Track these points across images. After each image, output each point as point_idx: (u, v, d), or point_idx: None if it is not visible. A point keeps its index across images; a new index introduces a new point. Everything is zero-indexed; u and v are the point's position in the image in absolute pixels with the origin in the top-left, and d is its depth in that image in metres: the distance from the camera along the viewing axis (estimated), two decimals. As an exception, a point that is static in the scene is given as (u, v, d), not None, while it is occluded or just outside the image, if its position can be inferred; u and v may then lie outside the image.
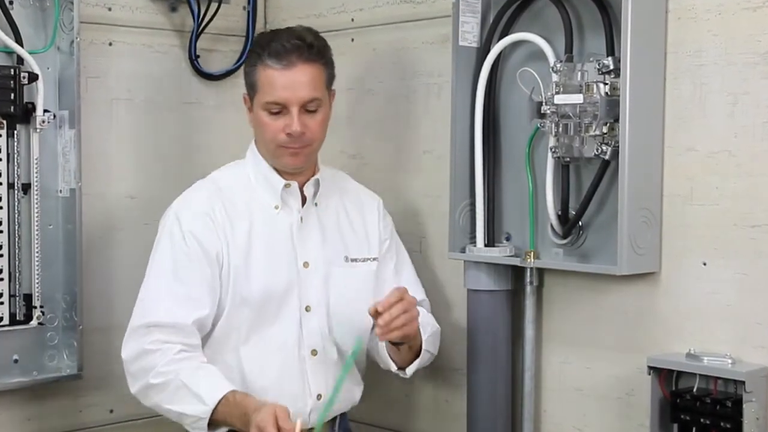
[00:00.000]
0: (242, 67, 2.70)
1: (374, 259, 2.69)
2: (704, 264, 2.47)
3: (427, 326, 2.67)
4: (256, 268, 2.53)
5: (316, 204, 2.64)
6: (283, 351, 2.53)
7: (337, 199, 2.68)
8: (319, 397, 2.55)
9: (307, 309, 2.56)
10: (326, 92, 2.57)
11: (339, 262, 2.62)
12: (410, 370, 2.62)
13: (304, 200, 2.61)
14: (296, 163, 2.56)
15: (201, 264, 2.49)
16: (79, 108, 2.98)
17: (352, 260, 2.65)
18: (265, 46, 2.52)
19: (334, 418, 2.65)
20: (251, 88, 2.56)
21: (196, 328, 2.47)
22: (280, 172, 2.59)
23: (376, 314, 2.42)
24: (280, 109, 2.50)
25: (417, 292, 2.73)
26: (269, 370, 2.51)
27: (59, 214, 3.03)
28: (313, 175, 2.62)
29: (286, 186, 2.57)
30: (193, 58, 3.32)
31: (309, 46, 2.51)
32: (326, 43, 2.59)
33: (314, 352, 2.54)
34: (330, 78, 2.59)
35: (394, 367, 2.62)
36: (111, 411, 3.20)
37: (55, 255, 3.02)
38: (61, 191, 3.02)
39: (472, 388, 2.83)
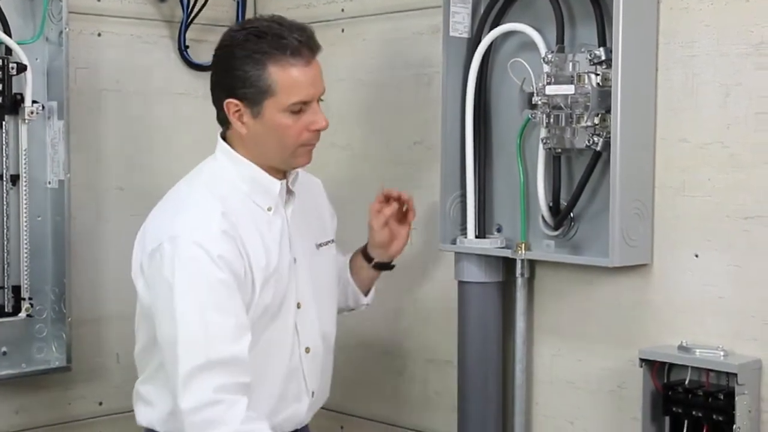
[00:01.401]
0: (225, 74, 2.31)
1: (332, 241, 2.61)
2: (696, 256, 2.46)
3: None
4: (271, 277, 2.39)
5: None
6: (283, 352, 2.45)
7: (298, 184, 2.48)
8: (312, 394, 2.52)
9: (299, 306, 2.46)
10: None
11: (313, 250, 2.52)
12: (371, 295, 2.69)
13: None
14: (310, 160, 2.40)
15: (236, 289, 2.31)
16: (68, 99, 2.97)
17: (320, 245, 2.55)
18: (274, 43, 2.26)
19: None
20: (260, 93, 2.27)
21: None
22: (269, 172, 2.40)
23: (387, 200, 2.56)
24: (300, 108, 2.30)
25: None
26: (273, 372, 2.42)
27: (48, 206, 3.02)
28: None
29: (282, 185, 2.40)
30: (183, 49, 3.31)
31: (312, 37, 2.33)
32: None
33: (308, 350, 2.48)
34: None
35: (364, 299, 2.68)
36: (100, 403, 3.20)
37: (44, 247, 3.01)
38: (49, 183, 3.01)
39: (463, 381, 2.82)
